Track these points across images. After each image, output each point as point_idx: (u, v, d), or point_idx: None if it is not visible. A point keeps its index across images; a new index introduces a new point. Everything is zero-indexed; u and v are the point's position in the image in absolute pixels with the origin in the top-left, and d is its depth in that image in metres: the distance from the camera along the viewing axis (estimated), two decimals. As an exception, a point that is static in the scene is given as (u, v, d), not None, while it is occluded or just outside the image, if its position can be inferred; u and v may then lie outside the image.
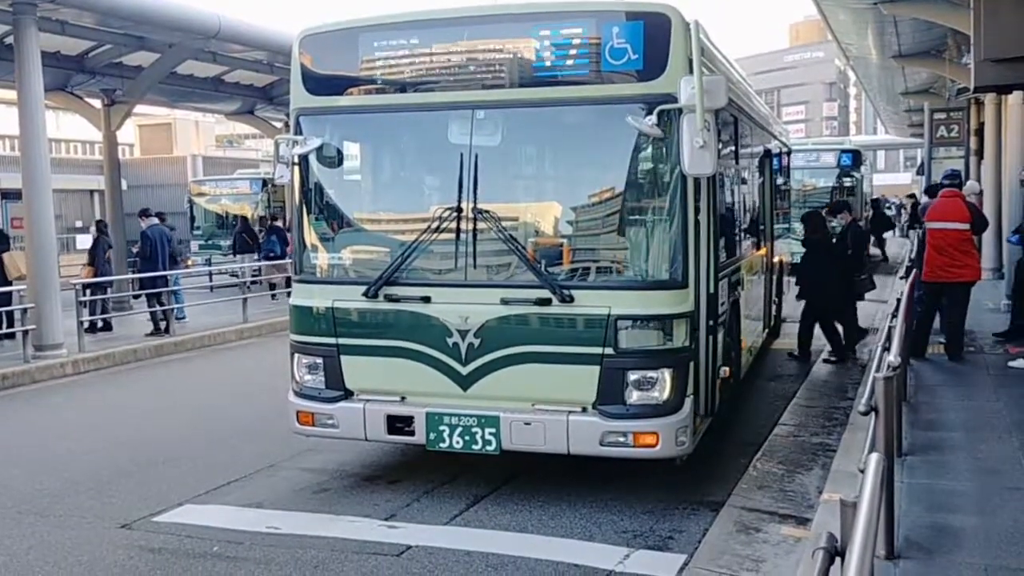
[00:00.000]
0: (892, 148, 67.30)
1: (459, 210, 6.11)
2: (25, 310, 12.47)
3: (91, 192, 32.40)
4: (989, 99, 17.72)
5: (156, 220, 15.44)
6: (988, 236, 18.06)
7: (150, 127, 48.40)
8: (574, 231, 6.32)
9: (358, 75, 6.44)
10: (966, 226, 9.72)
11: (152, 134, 48.54)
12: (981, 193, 12.50)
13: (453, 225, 6.12)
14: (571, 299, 5.87)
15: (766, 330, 11.52)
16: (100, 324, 14.92)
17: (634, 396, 5.84)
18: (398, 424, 6.25)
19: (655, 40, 5.72)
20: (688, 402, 5.95)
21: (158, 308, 14.77)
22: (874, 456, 2.81)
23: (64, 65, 18.41)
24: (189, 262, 23.76)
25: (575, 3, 6.20)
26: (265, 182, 25.16)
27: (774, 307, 12.34)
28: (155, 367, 13.04)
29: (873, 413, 4.47)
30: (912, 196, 32.24)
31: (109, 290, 15.41)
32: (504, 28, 6.16)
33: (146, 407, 10.32)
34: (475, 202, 6.09)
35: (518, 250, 6.07)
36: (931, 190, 10.82)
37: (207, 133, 55.52)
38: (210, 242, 25.27)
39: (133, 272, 15.46)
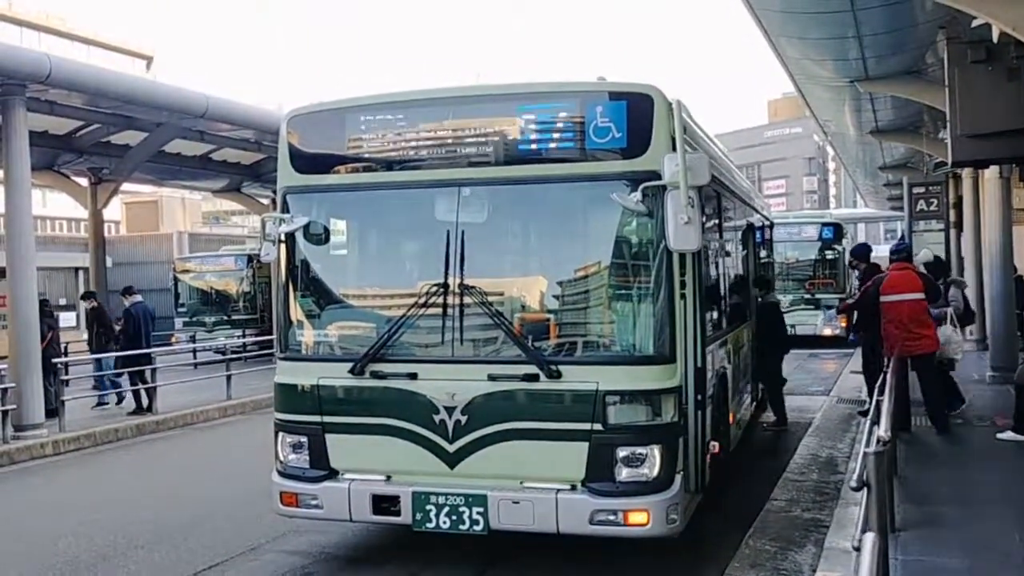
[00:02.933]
0: (872, 221, 68.22)
1: (446, 286, 6.11)
2: (5, 390, 12.29)
3: (76, 270, 32.33)
4: (967, 173, 18.05)
5: (139, 298, 15.39)
6: (972, 308, 18.22)
7: (136, 204, 48.57)
8: (561, 306, 6.32)
9: (345, 154, 6.50)
10: (921, 296, 9.81)
11: (138, 211, 48.67)
12: (936, 260, 12.65)
13: (440, 301, 6.11)
14: (559, 374, 5.84)
15: (754, 402, 11.48)
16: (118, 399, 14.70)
17: (624, 473, 5.76)
18: (384, 504, 6.14)
19: (638, 119, 5.82)
20: (678, 478, 5.88)
21: (141, 386, 14.60)
22: (869, 536, 2.76)
23: (52, 144, 18.56)
24: (173, 339, 23.62)
25: (560, 83, 6.30)
26: (250, 258, 25.19)
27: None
28: (137, 447, 12.83)
29: (865, 489, 4.42)
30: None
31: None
32: (490, 108, 6.27)
33: (126, 488, 10.11)
34: (462, 278, 6.10)
35: (505, 326, 6.06)
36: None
37: (193, 210, 55.71)
38: (194, 319, 25.18)
39: (116, 349, 15.28)
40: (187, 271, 26.18)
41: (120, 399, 15.16)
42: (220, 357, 19.78)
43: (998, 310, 13.97)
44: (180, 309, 25.65)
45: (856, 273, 12.01)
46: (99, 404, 14.88)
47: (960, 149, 9.82)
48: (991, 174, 14.17)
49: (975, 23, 10.52)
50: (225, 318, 25.04)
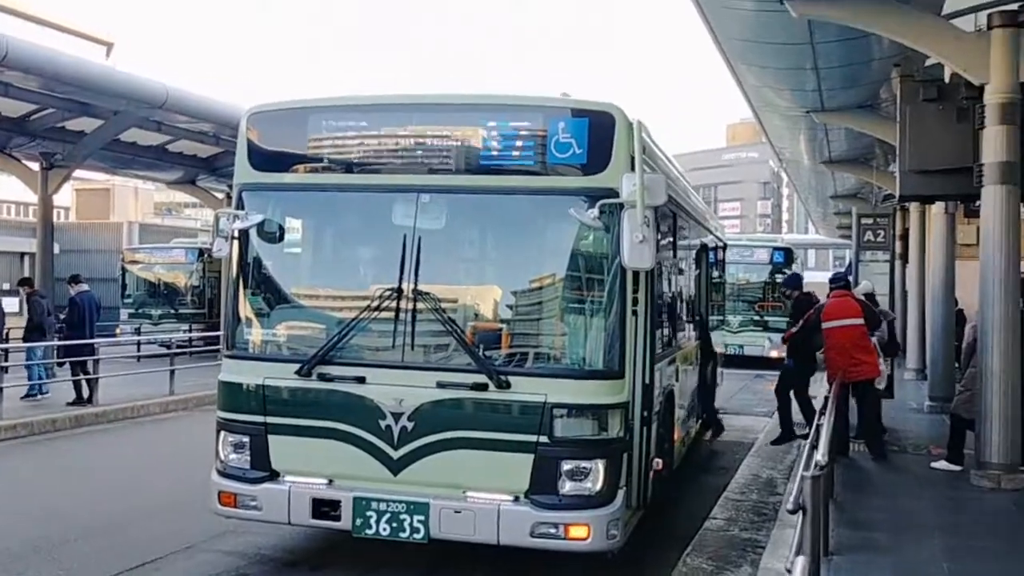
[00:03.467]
0: (822, 247, 69.51)
1: (399, 291, 6.10)
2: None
3: (22, 255, 31.64)
4: (914, 206, 18.48)
5: (86, 287, 15.08)
6: (912, 339, 18.66)
7: (88, 192, 47.68)
8: (513, 317, 6.35)
9: (305, 153, 6.47)
10: (860, 321, 10.08)
11: (90, 199, 47.79)
12: (873, 293, 13.03)
13: (392, 306, 6.10)
14: (508, 385, 5.86)
15: (699, 421, 11.62)
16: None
17: (567, 486, 5.80)
18: (324, 508, 6.10)
19: (599, 137, 5.88)
20: (621, 494, 5.93)
21: (82, 377, 14.31)
22: (800, 559, 2.83)
23: (4, 127, 18.23)
24: (118, 330, 23.16)
25: (524, 97, 6.34)
26: (201, 252, 24.83)
27: (708, 398, 12.47)
28: (74, 438, 12.57)
29: (801, 512, 4.51)
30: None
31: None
32: (454, 116, 6.29)
33: (61, 480, 9.90)
34: (416, 284, 6.09)
35: (456, 333, 6.07)
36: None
37: (146, 200, 54.85)
38: (140, 311, 24.68)
39: (58, 338, 14.96)
40: (136, 262, 25.62)
41: (40, 391, 14.70)
42: (164, 351, 19.48)
43: (938, 341, 14.32)
44: (126, 300, 25.10)
45: (790, 301, 12.30)
46: (28, 395, 14.49)
47: (907, 184, 10.07)
48: (937, 209, 14.54)
49: (928, 62, 10.85)
50: (172, 311, 24.56)
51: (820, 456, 5.21)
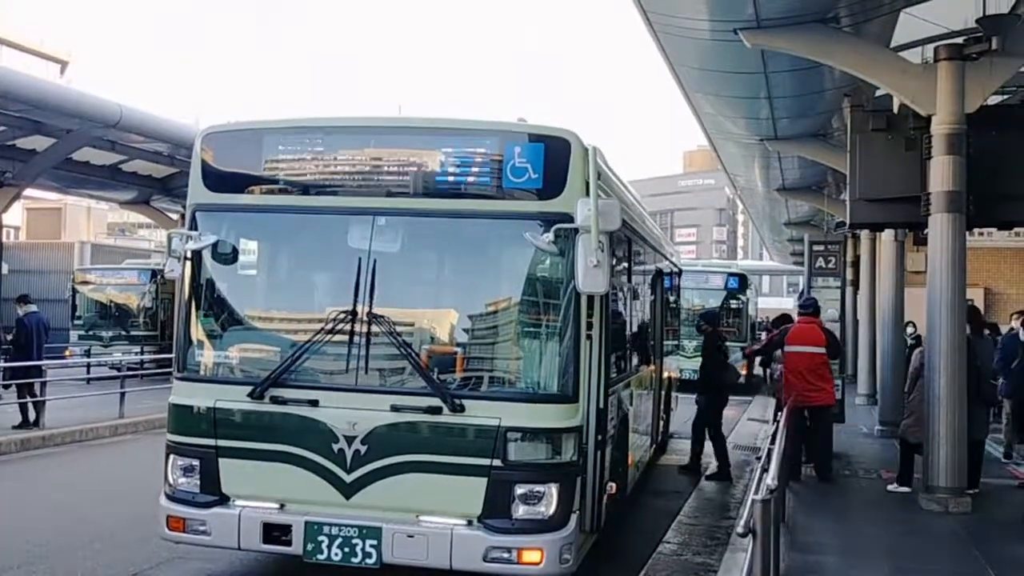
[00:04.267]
0: (776, 274, 70.44)
1: (354, 314, 6.06)
2: None
3: (-33, 274, 30.90)
4: (864, 234, 18.88)
5: (35, 308, 14.77)
6: (863, 364, 18.97)
7: (39, 211, 46.84)
8: (468, 340, 6.34)
9: (260, 175, 6.43)
10: (822, 350, 10.26)
11: (40, 218, 46.94)
12: (843, 321, 13.37)
13: (347, 328, 6.06)
14: (462, 408, 5.84)
15: (653, 445, 11.67)
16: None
17: (520, 510, 5.78)
18: (275, 532, 6.00)
19: (555, 162, 5.92)
20: (574, 518, 5.92)
21: (29, 400, 13.98)
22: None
23: (-49, 143, 17.82)
24: (67, 352, 22.68)
25: (480, 121, 6.37)
26: (154, 273, 24.45)
27: (662, 423, 12.54)
28: (19, 462, 12.26)
29: (751, 535, 4.54)
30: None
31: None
32: (410, 140, 6.30)
33: (3, 505, 9.64)
34: (370, 306, 6.06)
35: (411, 356, 6.04)
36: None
37: (99, 220, 54.01)
38: (91, 332, 24.16)
39: (4, 360, 14.62)
40: (86, 283, 25.11)
41: None
42: (115, 373, 19.12)
43: (887, 367, 14.58)
44: (76, 321, 24.55)
45: (703, 338, 12.54)
46: None
47: (857, 212, 10.28)
48: (887, 237, 14.85)
49: (878, 92, 11.13)
50: (123, 333, 24.09)
51: (771, 480, 5.26)
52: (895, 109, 10.41)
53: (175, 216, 25.20)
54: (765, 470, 6.06)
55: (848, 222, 11.08)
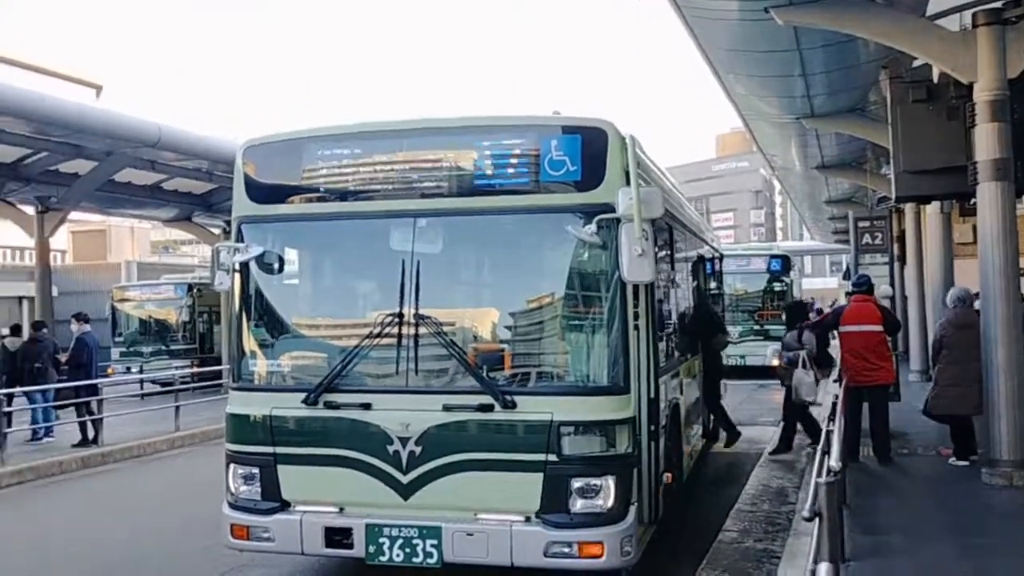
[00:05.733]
0: (818, 253, 69.63)
1: (400, 316, 6.10)
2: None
3: (20, 299, 31.64)
4: (909, 208, 18.54)
5: (89, 327, 15.05)
6: (914, 340, 18.66)
7: (84, 233, 47.80)
8: (515, 337, 6.34)
9: (301, 184, 6.49)
10: (879, 328, 10.06)
11: (86, 240, 47.90)
12: (893, 297, 13.11)
13: (394, 331, 6.10)
14: (513, 405, 5.85)
15: (705, 433, 11.59)
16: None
17: (578, 504, 5.77)
18: (336, 536, 6.06)
19: (592, 153, 5.90)
20: (633, 510, 5.90)
21: (88, 418, 14.26)
22: (823, 566, 2.81)
23: (-3, 172, 18.21)
24: (110, 370, 22.94)
25: (515, 117, 6.37)
26: (190, 287, 24.70)
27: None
28: (81, 480, 12.52)
29: (817, 518, 4.49)
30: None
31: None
32: (447, 140, 6.31)
33: (70, 523, 9.85)
34: (417, 308, 6.09)
35: (459, 356, 6.07)
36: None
37: (142, 239, 54.99)
38: (131, 349, 24.36)
39: (62, 380, 14.91)
40: (125, 300, 25.24)
41: (47, 433, 14.68)
42: (159, 389, 19.45)
43: (941, 342, 14.29)
44: (117, 339, 24.69)
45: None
46: (34, 438, 14.46)
47: (902, 185, 10.11)
48: (932, 209, 14.59)
49: (916, 63, 10.90)
50: (163, 348, 24.29)
51: (833, 462, 5.19)
52: (935, 79, 10.21)
53: (216, 231, 25.53)
54: (826, 452, 5.99)
55: (893, 196, 10.90)
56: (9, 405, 13.77)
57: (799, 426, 11.47)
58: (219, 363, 22.05)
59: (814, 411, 11.57)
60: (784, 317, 12.67)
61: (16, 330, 15.75)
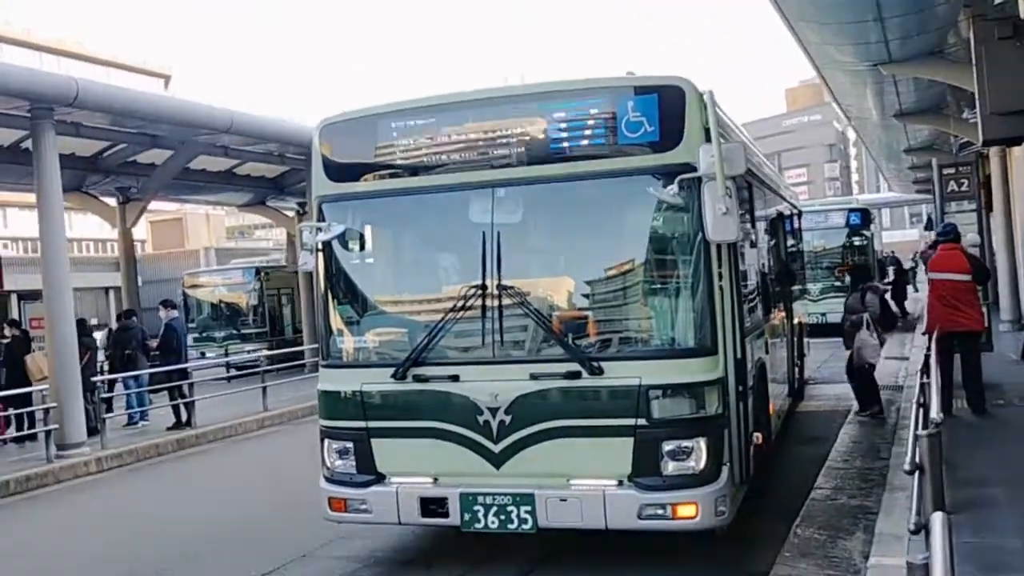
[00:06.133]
0: (896, 205, 67.60)
1: (483, 287, 6.12)
2: (47, 410, 12.46)
3: (106, 289, 32.73)
4: (994, 152, 17.85)
5: (176, 313, 15.51)
6: (1004, 289, 18.05)
7: (161, 222, 49.16)
8: (599, 303, 6.32)
9: (377, 160, 6.54)
10: (967, 277, 9.76)
11: (164, 229, 49.28)
12: (980, 245, 12.72)
13: (478, 303, 6.13)
14: (600, 371, 5.84)
15: (791, 393, 11.42)
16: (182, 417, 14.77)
17: (670, 467, 5.76)
18: (432, 506, 6.17)
19: (670, 112, 5.81)
20: (725, 470, 5.86)
21: (180, 401, 14.75)
22: (938, 516, 2.75)
23: (79, 166, 18.78)
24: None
25: (588, 80, 6.29)
26: (258, 271, 25.02)
27: (796, 369, 12.25)
28: (178, 461, 12.97)
29: (918, 471, 4.41)
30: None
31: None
32: (521, 108, 6.27)
33: (171, 501, 10.23)
34: (499, 279, 6.11)
35: (544, 324, 6.07)
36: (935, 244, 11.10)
37: (217, 225, 56.34)
38: (204, 335, 24.75)
39: (153, 365, 15.45)
40: (196, 286, 25.63)
41: (143, 418, 15.23)
42: (235, 373, 19.90)
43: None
44: (190, 325, 24.76)
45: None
46: (130, 423, 15.01)
47: (990, 127, 9.71)
48: (1020, 151, 14.03)
49: (998, 0, 10.42)
50: (235, 332, 24.64)
51: (934, 414, 5.07)
52: (1021, 14, 9.76)
53: (290, 214, 25.90)
54: (921, 405, 5.86)
55: (980, 139, 10.49)
56: (110, 391, 14.35)
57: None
58: (290, 345, 22.43)
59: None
60: (848, 279, 12.50)
61: (129, 314, 16.30)
